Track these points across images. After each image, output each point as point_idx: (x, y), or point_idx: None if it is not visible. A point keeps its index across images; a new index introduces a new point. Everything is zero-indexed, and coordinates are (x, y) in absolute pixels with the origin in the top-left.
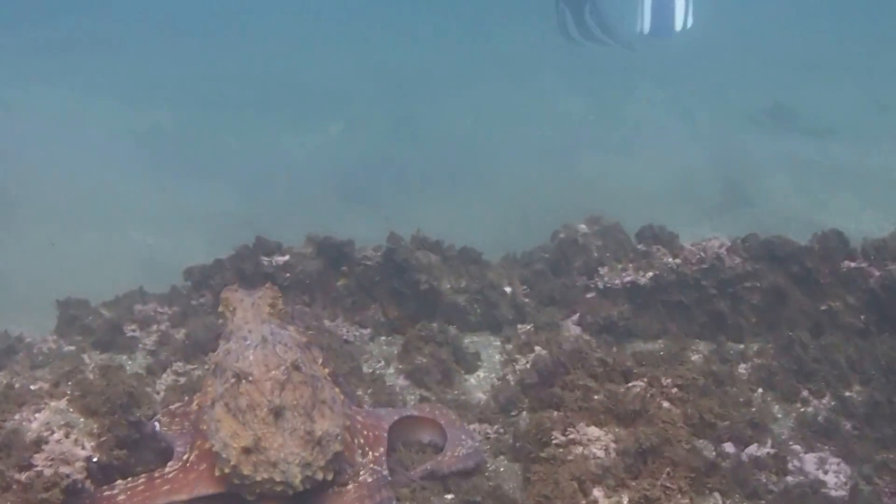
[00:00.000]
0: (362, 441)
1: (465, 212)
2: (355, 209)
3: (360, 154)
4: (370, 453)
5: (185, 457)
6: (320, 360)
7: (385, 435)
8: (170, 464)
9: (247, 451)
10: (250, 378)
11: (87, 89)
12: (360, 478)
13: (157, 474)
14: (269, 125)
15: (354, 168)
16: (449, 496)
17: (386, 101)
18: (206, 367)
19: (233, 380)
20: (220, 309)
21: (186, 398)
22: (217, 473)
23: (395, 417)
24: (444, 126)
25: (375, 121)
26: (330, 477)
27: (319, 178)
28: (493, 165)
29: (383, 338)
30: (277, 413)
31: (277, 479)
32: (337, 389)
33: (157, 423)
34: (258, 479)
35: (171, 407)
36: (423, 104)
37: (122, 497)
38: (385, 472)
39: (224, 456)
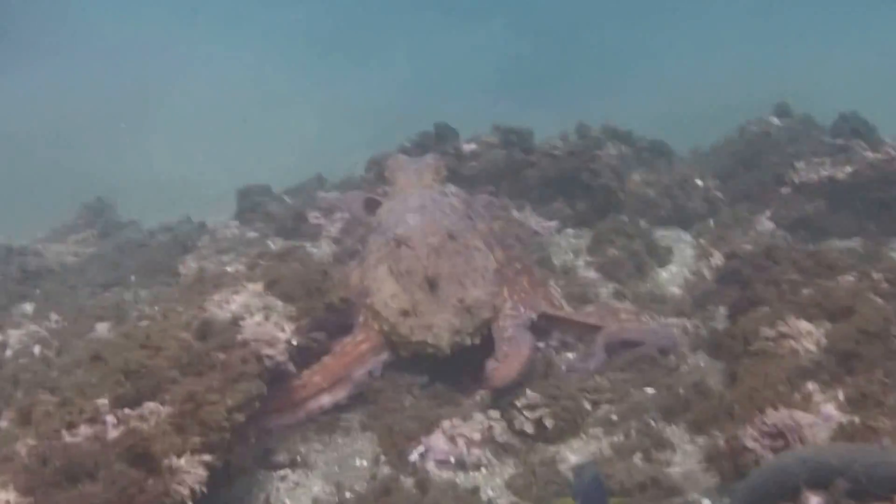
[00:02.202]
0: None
1: (637, 105)
2: (521, 103)
3: (523, 49)
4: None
5: (360, 319)
6: (485, 226)
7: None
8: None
9: (405, 313)
10: (409, 243)
11: None
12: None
13: (338, 348)
14: (431, 20)
15: (519, 63)
16: (650, 389)
17: None
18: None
19: (393, 244)
20: (386, 175)
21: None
22: (377, 328)
23: (551, 312)
24: (608, 19)
25: (538, 15)
26: (477, 341)
27: (483, 72)
28: (664, 59)
29: (570, 230)
30: (432, 280)
31: (429, 342)
32: (493, 257)
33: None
34: (413, 340)
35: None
36: None
37: (317, 378)
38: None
39: (384, 315)
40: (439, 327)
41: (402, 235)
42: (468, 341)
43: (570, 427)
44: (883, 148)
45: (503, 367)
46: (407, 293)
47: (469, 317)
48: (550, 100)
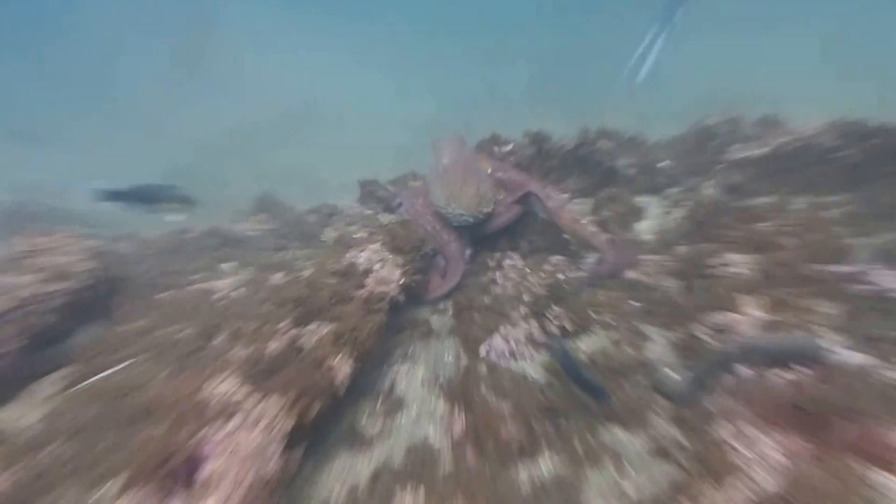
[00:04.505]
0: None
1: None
2: (541, 117)
3: (539, 76)
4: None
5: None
6: (492, 168)
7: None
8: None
9: (448, 199)
10: (449, 169)
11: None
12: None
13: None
14: (471, 63)
15: (538, 87)
16: (637, 304)
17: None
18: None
19: (441, 170)
20: (432, 150)
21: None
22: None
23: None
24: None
25: (548, 52)
26: (489, 210)
27: (508, 95)
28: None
29: (577, 199)
30: (462, 184)
31: (462, 213)
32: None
33: (400, 200)
34: (455, 212)
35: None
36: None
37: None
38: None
39: (439, 203)
40: (467, 204)
41: (445, 165)
42: (486, 210)
43: (582, 328)
44: (790, 132)
45: (438, 288)
46: (448, 190)
47: (480, 199)
48: (564, 108)
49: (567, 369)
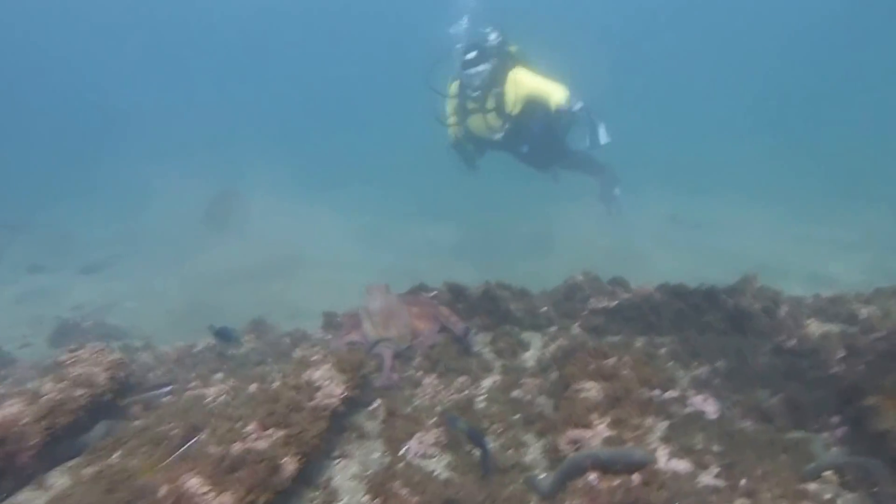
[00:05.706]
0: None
1: (516, 270)
2: (465, 265)
3: (466, 237)
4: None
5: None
6: (415, 310)
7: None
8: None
9: (375, 337)
10: (375, 310)
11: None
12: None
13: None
14: (418, 224)
15: (464, 244)
16: (517, 415)
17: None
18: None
19: (371, 311)
20: (365, 293)
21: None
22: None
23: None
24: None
25: (477, 223)
26: (407, 344)
27: (443, 249)
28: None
29: (481, 333)
30: (385, 328)
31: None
32: (411, 321)
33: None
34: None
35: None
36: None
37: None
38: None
39: (369, 335)
40: (390, 337)
41: (369, 309)
42: (404, 345)
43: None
44: (631, 291)
45: (379, 383)
46: (375, 330)
47: (402, 335)
48: (483, 265)
49: (470, 434)
